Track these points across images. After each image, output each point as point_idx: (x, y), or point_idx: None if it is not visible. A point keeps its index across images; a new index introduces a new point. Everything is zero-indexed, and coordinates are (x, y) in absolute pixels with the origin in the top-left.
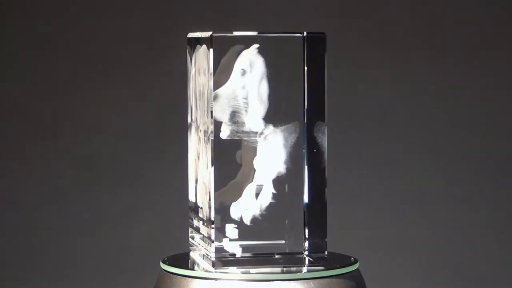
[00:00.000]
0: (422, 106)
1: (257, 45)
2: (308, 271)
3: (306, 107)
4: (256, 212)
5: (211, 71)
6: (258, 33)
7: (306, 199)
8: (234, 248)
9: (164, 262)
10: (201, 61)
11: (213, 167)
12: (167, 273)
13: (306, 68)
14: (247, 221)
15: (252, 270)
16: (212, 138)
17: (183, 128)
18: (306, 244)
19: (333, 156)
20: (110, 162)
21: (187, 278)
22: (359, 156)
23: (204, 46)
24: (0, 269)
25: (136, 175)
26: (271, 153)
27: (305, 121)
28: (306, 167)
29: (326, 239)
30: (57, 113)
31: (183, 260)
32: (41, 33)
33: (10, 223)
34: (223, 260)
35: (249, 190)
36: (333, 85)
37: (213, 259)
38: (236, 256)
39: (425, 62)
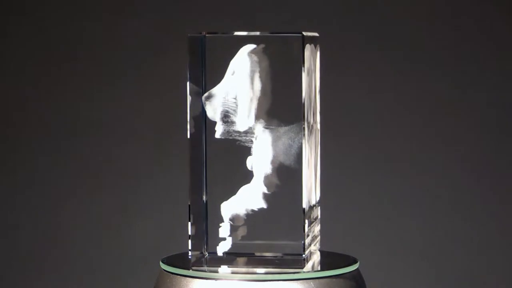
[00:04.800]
0: (422, 107)
1: (252, 45)
2: (305, 271)
3: (304, 108)
4: (248, 212)
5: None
6: (261, 33)
7: (304, 201)
8: (221, 248)
9: (163, 262)
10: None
11: (190, 166)
12: (167, 273)
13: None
14: (237, 221)
15: (241, 270)
16: (188, 137)
17: (184, 128)
18: (306, 245)
19: (333, 156)
20: (110, 161)
21: (187, 278)
22: (359, 156)
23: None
24: None
25: (136, 175)
26: (265, 153)
27: (305, 122)
28: (303, 168)
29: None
30: (57, 113)
31: (183, 260)
32: (40, 33)
33: (9, 223)
34: (203, 260)
35: (242, 190)
36: (332, 85)
37: (189, 257)
38: (218, 255)
39: (426, 63)
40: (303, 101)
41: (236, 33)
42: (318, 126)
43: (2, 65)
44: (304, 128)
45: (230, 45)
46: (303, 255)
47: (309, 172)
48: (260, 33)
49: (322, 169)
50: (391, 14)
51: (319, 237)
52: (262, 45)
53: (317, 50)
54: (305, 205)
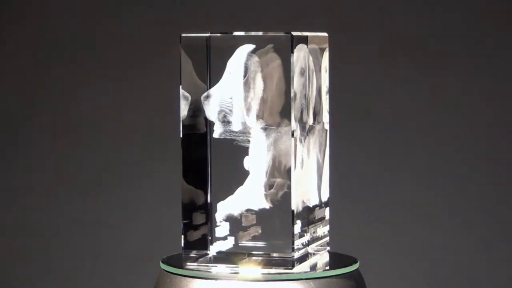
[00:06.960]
0: (424, 107)
1: (250, 46)
2: (304, 271)
3: (294, 108)
4: (246, 212)
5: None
6: (264, 32)
7: (293, 201)
8: (220, 248)
9: (163, 262)
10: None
11: (183, 166)
12: (167, 273)
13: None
14: (234, 221)
15: (240, 270)
16: (181, 136)
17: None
18: (299, 245)
19: (333, 156)
20: (109, 162)
21: (187, 278)
22: (359, 156)
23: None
24: None
25: (136, 175)
26: (262, 153)
27: (295, 123)
28: (292, 169)
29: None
30: (55, 113)
31: (183, 260)
32: (37, 33)
33: (9, 223)
34: (193, 258)
35: (240, 190)
36: (333, 85)
37: (183, 256)
38: (217, 255)
39: (427, 63)
40: (290, 101)
41: (235, 33)
42: (326, 126)
43: (1, 64)
44: (293, 129)
45: (229, 45)
46: (293, 256)
47: (302, 172)
48: (253, 33)
49: (330, 170)
50: (396, 14)
51: (327, 238)
52: (270, 46)
53: (324, 51)
54: (294, 205)
